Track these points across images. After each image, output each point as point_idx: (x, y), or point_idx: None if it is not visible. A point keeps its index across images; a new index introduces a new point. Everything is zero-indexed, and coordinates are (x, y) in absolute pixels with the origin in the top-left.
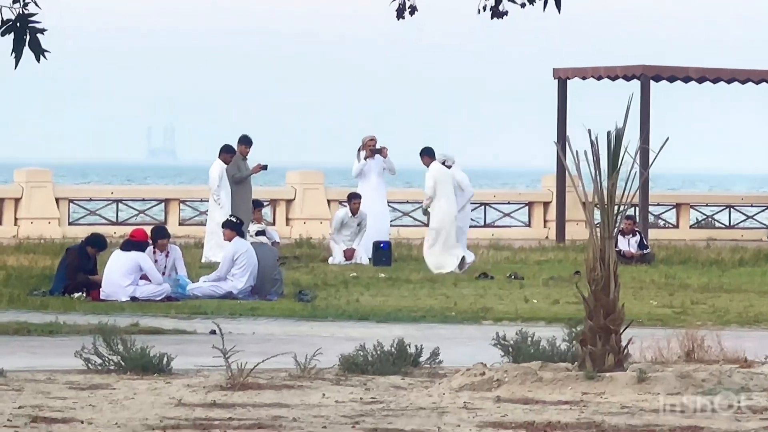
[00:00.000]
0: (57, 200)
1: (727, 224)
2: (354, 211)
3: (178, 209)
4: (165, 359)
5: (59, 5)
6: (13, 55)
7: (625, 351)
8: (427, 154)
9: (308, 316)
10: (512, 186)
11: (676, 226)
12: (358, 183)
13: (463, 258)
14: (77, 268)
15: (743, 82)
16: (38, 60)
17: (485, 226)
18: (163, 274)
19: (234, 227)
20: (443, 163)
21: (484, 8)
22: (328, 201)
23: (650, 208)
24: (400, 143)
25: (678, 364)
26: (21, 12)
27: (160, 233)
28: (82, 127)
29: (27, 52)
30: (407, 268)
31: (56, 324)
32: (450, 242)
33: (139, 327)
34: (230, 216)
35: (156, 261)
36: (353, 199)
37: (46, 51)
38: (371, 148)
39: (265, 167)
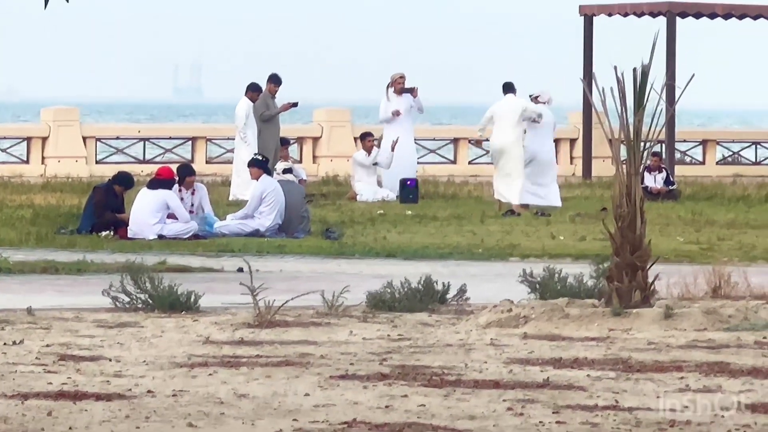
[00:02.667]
0: (84, 139)
1: (754, 160)
2: (368, 150)
3: (205, 147)
4: (192, 297)
5: None
6: None
7: (652, 287)
8: (505, 88)
9: (335, 254)
10: None
11: (703, 163)
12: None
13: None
14: (104, 207)
15: None
16: (67, 0)
17: None
18: (190, 212)
19: (260, 165)
20: (536, 99)
21: None
22: (355, 139)
23: (676, 145)
24: (426, 81)
25: (704, 301)
26: None
27: (187, 171)
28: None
29: None
30: (434, 206)
31: (84, 262)
32: (503, 172)
33: (167, 265)
34: (256, 154)
35: (182, 199)
36: (366, 137)
37: None
38: (400, 86)
39: (295, 104)
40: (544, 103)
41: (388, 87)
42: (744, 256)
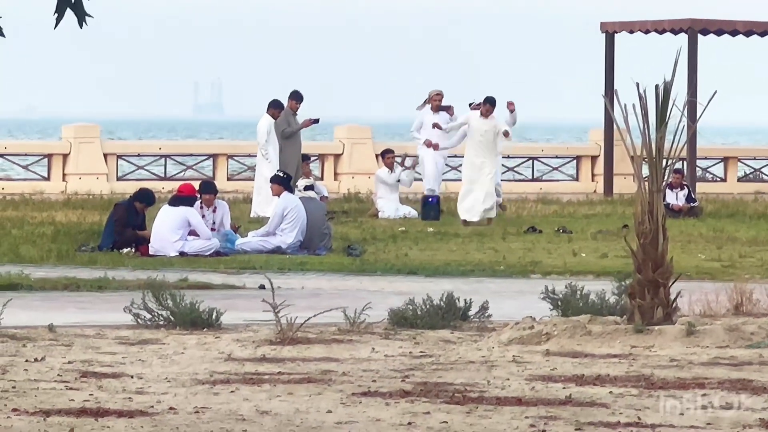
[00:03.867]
0: (105, 156)
1: None
2: (389, 167)
3: (226, 164)
4: (214, 314)
5: None
6: (56, 15)
7: (674, 304)
8: (488, 103)
9: (357, 271)
10: (560, 140)
11: (724, 180)
12: (419, 134)
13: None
14: (126, 224)
15: None
16: (80, 25)
17: (533, 180)
18: (212, 230)
19: (282, 182)
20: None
21: None
22: (376, 156)
23: (698, 162)
24: (447, 100)
25: (726, 318)
26: None
27: (208, 188)
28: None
29: (69, 13)
30: (456, 223)
31: (105, 279)
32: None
33: (188, 282)
34: (278, 171)
35: (203, 216)
36: (386, 154)
37: (89, 16)
38: (437, 103)
39: (316, 121)
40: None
41: (424, 102)
42: (766, 273)
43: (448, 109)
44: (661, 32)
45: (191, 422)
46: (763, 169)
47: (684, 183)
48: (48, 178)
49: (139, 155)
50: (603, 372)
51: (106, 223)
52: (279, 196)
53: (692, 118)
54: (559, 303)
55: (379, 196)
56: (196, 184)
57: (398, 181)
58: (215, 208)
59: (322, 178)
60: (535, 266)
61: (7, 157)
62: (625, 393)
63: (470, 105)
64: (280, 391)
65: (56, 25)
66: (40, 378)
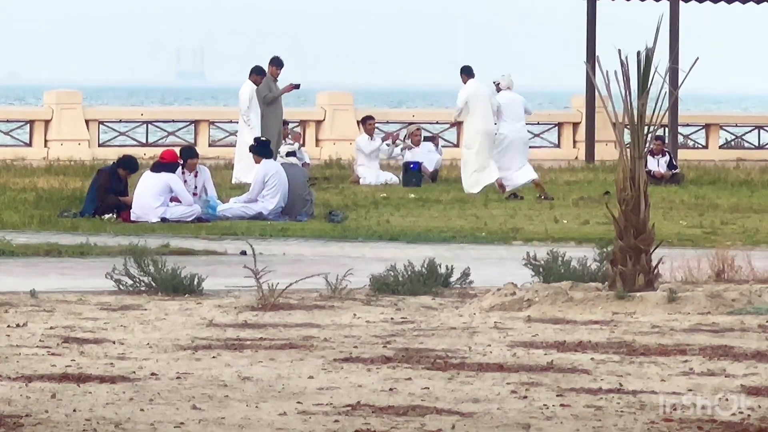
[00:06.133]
0: (87, 122)
1: (757, 145)
2: (370, 133)
3: (208, 130)
4: (196, 280)
5: None
6: None
7: (656, 271)
8: (464, 72)
9: (338, 237)
10: (542, 107)
11: (706, 147)
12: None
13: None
14: (108, 190)
15: None
16: None
17: None
18: (194, 195)
19: (259, 149)
20: (497, 86)
21: None
22: (358, 122)
23: (679, 129)
24: (427, 65)
25: (708, 284)
26: None
27: (189, 153)
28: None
29: None
30: (437, 189)
31: (87, 245)
32: (482, 161)
33: (170, 248)
34: (253, 139)
35: (185, 181)
36: (367, 121)
37: None
38: (418, 138)
39: (297, 86)
40: (508, 89)
41: (404, 138)
42: (747, 240)
43: (434, 140)
44: None
45: (173, 388)
46: (744, 136)
47: (665, 150)
48: (30, 145)
49: (120, 121)
50: (584, 338)
51: (88, 189)
52: (259, 163)
53: (674, 84)
54: (541, 269)
55: (359, 163)
56: (178, 151)
57: (377, 149)
58: (197, 173)
59: (303, 145)
60: (517, 233)
61: None
62: (607, 359)
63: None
64: (261, 357)
65: None
66: (21, 344)
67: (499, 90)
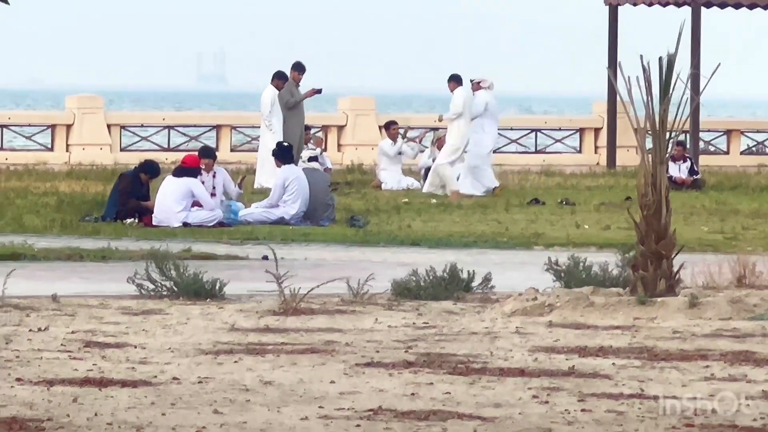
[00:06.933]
0: (108, 126)
1: None
2: (393, 138)
3: (229, 135)
4: (218, 284)
5: None
6: None
7: (677, 276)
8: (454, 80)
9: (360, 242)
10: (563, 112)
11: (727, 153)
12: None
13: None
14: (130, 194)
15: None
16: None
17: (536, 152)
18: (212, 195)
19: (280, 154)
20: (478, 84)
21: None
22: (380, 127)
23: (701, 134)
24: (448, 71)
25: (729, 290)
26: None
27: (206, 153)
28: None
29: None
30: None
31: (108, 250)
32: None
33: (192, 252)
34: (276, 143)
35: (203, 182)
36: (390, 126)
37: None
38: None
39: (319, 91)
40: (487, 88)
41: (414, 139)
42: None
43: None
44: (665, 5)
45: (194, 392)
46: (766, 142)
47: (687, 155)
48: (52, 149)
49: (142, 126)
50: (606, 343)
51: (110, 194)
52: (280, 168)
53: (695, 90)
54: (562, 274)
55: (381, 167)
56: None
57: (400, 153)
58: (215, 173)
59: (326, 150)
60: (538, 238)
61: (11, 127)
62: (628, 364)
63: (471, 81)
64: (283, 362)
65: None
66: (43, 348)
67: (479, 88)
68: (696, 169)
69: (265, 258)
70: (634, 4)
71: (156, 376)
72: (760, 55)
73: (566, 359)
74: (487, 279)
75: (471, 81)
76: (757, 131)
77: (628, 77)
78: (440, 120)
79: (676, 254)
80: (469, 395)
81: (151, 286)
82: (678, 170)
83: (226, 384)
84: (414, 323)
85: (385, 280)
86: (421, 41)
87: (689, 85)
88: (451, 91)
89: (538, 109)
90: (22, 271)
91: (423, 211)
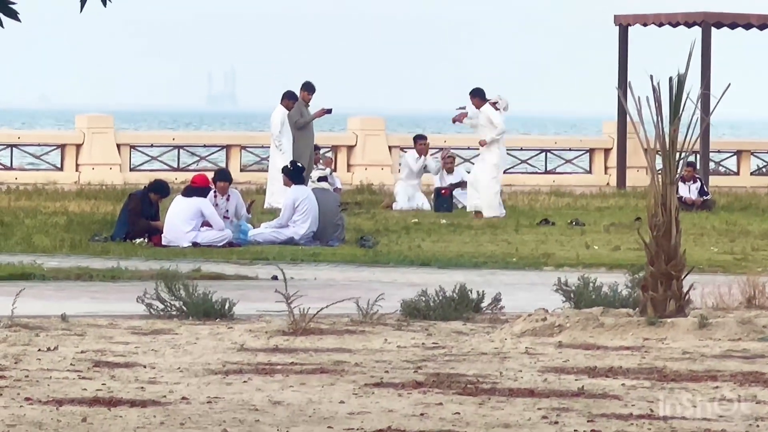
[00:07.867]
0: (118, 146)
1: None
2: (421, 152)
3: (239, 155)
4: (227, 304)
5: None
6: None
7: (687, 297)
8: (478, 96)
9: (370, 262)
10: (573, 132)
11: (737, 173)
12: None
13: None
14: (139, 214)
15: None
16: (104, 4)
17: (546, 172)
18: (225, 218)
19: (291, 173)
20: (494, 105)
21: None
22: (390, 147)
23: (711, 155)
24: (461, 91)
25: (739, 311)
26: None
27: (223, 176)
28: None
29: None
30: (468, 214)
31: (118, 269)
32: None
33: (201, 272)
34: (289, 162)
35: (216, 204)
36: (419, 140)
37: None
38: (450, 166)
39: (329, 111)
40: (503, 110)
41: (438, 163)
42: None
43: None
44: (675, 25)
45: (204, 412)
46: None
47: (697, 176)
48: (61, 168)
49: (152, 146)
50: (615, 364)
51: (119, 213)
52: (289, 187)
53: (705, 110)
54: (572, 295)
55: (399, 177)
56: (210, 175)
57: (425, 168)
58: (228, 196)
59: (335, 170)
60: (548, 258)
61: (20, 147)
62: (638, 385)
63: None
64: (292, 382)
65: (81, 9)
66: (52, 367)
67: (497, 110)
68: (706, 189)
69: (275, 278)
70: (644, 24)
71: (165, 396)
72: None
73: (576, 380)
74: (496, 299)
75: (486, 101)
76: (767, 152)
77: (638, 97)
78: (482, 145)
79: (686, 275)
80: (478, 415)
81: (161, 306)
82: (688, 191)
83: (235, 404)
84: (423, 343)
85: (395, 300)
86: (432, 62)
87: (699, 105)
88: (477, 107)
89: (548, 129)
90: (31, 291)
91: (433, 232)
